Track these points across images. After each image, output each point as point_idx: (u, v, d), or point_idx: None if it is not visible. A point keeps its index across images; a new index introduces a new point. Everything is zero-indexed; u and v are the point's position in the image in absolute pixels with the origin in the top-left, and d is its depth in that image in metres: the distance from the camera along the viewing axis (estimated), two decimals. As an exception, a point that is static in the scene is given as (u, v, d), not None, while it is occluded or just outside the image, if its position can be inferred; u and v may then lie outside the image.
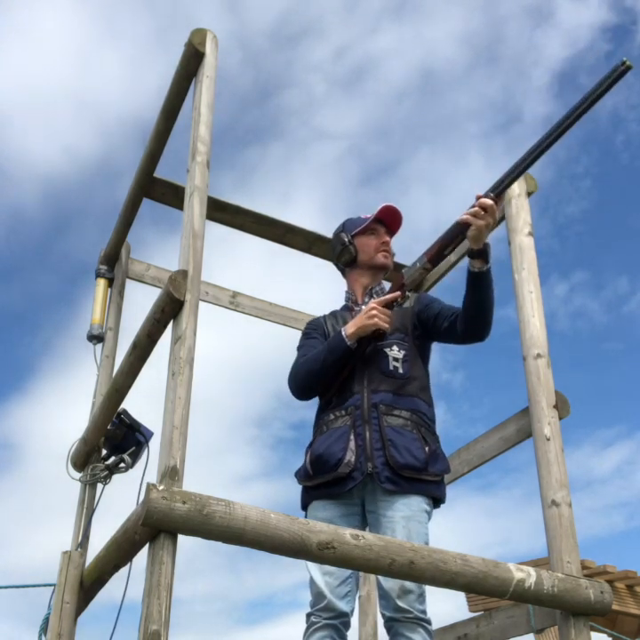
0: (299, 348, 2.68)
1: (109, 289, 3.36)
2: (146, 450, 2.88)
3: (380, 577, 2.24)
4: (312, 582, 2.33)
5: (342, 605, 2.29)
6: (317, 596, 2.31)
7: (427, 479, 2.36)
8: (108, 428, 2.84)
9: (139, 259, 3.50)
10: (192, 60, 2.64)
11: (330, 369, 2.47)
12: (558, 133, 2.18)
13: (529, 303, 2.84)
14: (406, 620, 2.22)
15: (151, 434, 2.89)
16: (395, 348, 2.50)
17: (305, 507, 2.48)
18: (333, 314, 2.73)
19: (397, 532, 2.28)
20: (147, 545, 1.91)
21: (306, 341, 2.67)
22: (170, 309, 2.22)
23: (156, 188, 3.20)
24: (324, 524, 2.04)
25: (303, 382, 2.53)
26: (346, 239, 2.69)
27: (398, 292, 2.48)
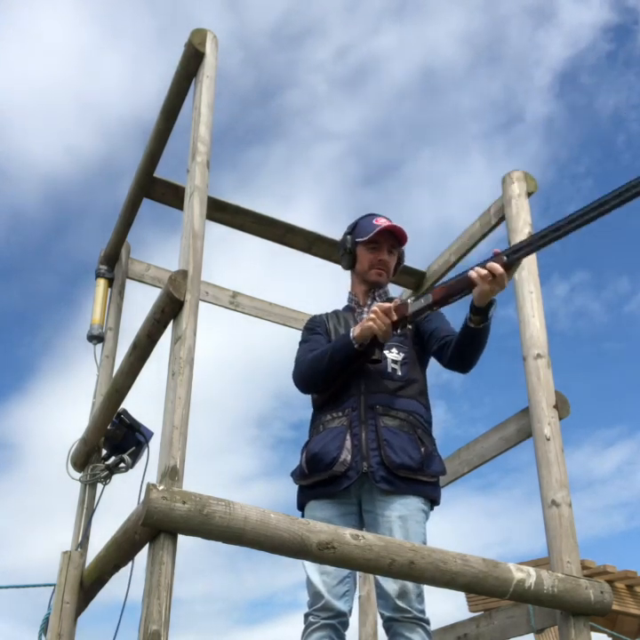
0: (302, 343, 2.68)
1: (109, 289, 3.36)
2: (146, 450, 2.88)
3: (379, 577, 2.24)
4: (309, 582, 2.33)
5: (340, 605, 2.29)
6: (315, 595, 2.31)
7: (422, 480, 2.36)
8: (108, 428, 2.84)
9: (139, 259, 3.50)
10: (192, 60, 2.64)
11: (335, 368, 2.46)
12: (590, 217, 2.06)
13: (529, 303, 2.84)
14: (405, 619, 2.22)
15: (151, 434, 2.89)
16: (394, 350, 2.51)
17: (301, 506, 2.48)
18: (336, 313, 2.73)
19: (395, 531, 2.28)
20: (147, 545, 1.91)
21: (310, 336, 2.66)
22: (170, 309, 2.22)
23: (156, 188, 3.19)
24: (324, 524, 2.04)
25: (309, 379, 2.53)
26: (348, 245, 2.70)
27: (394, 304, 2.43)
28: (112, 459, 2.88)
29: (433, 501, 2.42)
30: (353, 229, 2.73)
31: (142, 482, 2.64)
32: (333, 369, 2.46)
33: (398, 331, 2.41)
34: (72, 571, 2.53)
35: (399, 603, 2.22)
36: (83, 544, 2.74)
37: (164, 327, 2.30)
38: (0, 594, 3.19)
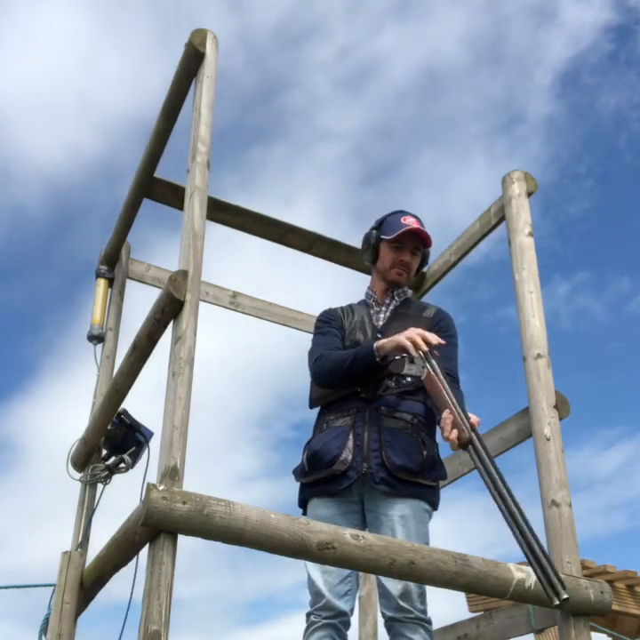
0: (318, 334, 2.63)
1: (110, 289, 3.36)
2: (146, 450, 2.88)
3: (382, 576, 2.24)
4: (310, 581, 2.32)
5: (341, 604, 2.28)
6: (316, 595, 2.30)
7: (422, 483, 2.35)
8: (109, 428, 2.84)
9: (140, 259, 3.50)
10: (192, 61, 2.64)
11: (355, 375, 2.43)
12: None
13: (529, 303, 2.84)
14: (407, 620, 2.22)
15: (151, 434, 2.89)
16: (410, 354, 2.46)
17: (302, 504, 2.47)
18: (351, 308, 2.69)
19: (397, 531, 2.27)
20: (147, 545, 1.91)
21: (328, 329, 2.62)
22: (170, 309, 2.22)
23: (156, 189, 3.20)
24: (324, 524, 2.04)
25: (328, 379, 2.48)
26: (372, 240, 2.67)
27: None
28: (112, 459, 2.89)
29: (432, 505, 2.41)
30: (380, 225, 2.69)
31: (143, 482, 2.64)
32: (354, 376, 2.43)
33: (393, 384, 2.41)
34: (72, 571, 2.53)
35: (401, 603, 2.22)
36: (83, 544, 2.74)
37: (165, 327, 2.30)
38: (0, 594, 3.19)
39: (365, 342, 2.49)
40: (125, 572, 2.33)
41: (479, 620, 2.78)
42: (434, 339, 2.30)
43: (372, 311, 2.64)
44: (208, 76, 2.57)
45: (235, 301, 3.69)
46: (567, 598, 1.82)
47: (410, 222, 2.59)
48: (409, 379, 2.40)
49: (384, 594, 2.28)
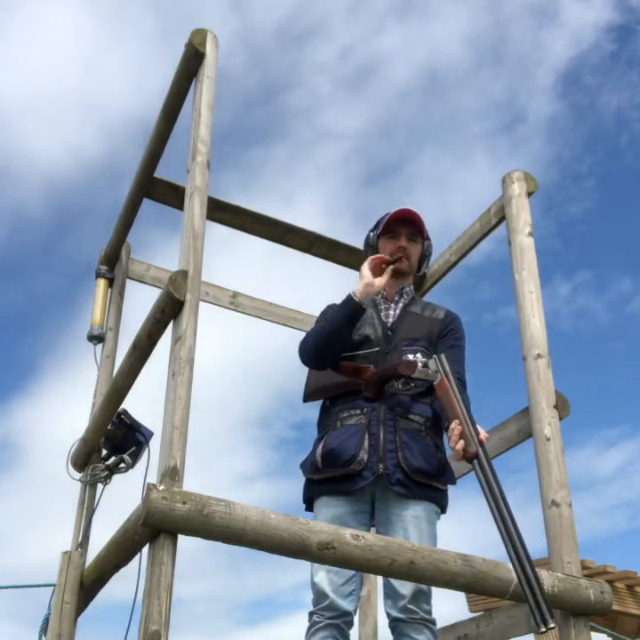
0: (315, 324, 2.65)
1: (110, 289, 3.36)
2: (146, 450, 2.88)
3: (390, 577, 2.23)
4: (314, 581, 2.30)
5: (345, 605, 2.26)
6: (319, 594, 2.28)
7: (436, 486, 2.35)
8: (109, 428, 2.84)
9: (141, 259, 3.50)
10: (192, 61, 2.64)
11: (339, 331, 2.42)
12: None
13: (529, 303, 2.84)
14: (412, 620, 2.22)
15: (151, 434, 2.89)
16: (419, 355, 2.42)
17: (308, 500, 2.45)
18: None
19: (410, 531, 2.27)
20: (147, 545, 1.91)
21: (323, 317, 2.63)
22: (170, 309, 2.22)
23: (156, 189, 3.20)
24: (324, 524, 2.04)
25: (313, 350, 2.47)
26: (371, 241, 2.69)
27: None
28: (112, 459, 2.89)
29: (442, 508, 2.41)
30: (375, 226, 2.71)
31: (144, 482, 2.64)
32: (338, 332, 2.41)
33: (399, 386, 2.39)
34: (72, 571, 2.53)
35: (409, 605, 2.22)
36: (83, 544, 2.75)
37: (165, 327, 2.30)
38: (0, 594, 3.19)
39: (333, 312, 2.49)
40: (125, 572, 2.33)
41: (479, 620, 2.78)
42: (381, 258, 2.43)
43: (381, 308, 2.62)
44: (208, 76, 2.57)
45: (235, 301, 3.69)
46: (553, 627, 1.85)
47: (397, 211, 2.61)
48: (412, 384, 2.39)
49: (391, 594, 2.26)
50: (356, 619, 2.35)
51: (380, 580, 3.31)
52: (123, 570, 2.29)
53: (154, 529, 1.85)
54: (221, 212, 3.33)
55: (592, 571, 5.76)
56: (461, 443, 2.13)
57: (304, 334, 2.60)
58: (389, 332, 2.53)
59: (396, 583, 2.24)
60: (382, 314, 2.60)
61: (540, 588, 1.89)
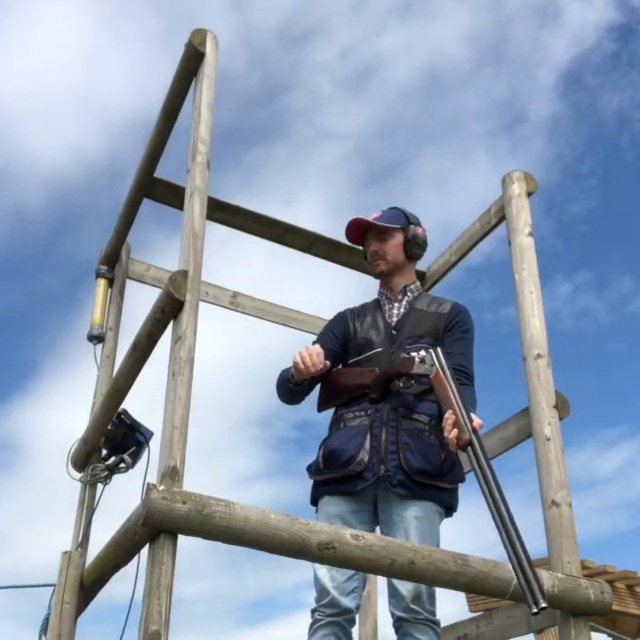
0: (319, 335, 2.70)
1: (110, 289, 3.36)
2: (146, 450, 2.88)
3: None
4: (316, 578, 2.30)
5: (347, 602, 2.26)
6: (321, 592, 2.28)
7: (441, 486, 2.34)
8: (108, 428, 2.84)
9: (140, 259, 3.50)
10: (192, 60, 2.64)
11: (282, 398, 2.54)
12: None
13: (529, 303, 2.84)
14: (416, 620, 2.22)
15: (151, 434, 2.89)
16: (422, 352, 2.39)
17: (314, 501, 2.46)
18: (363, 307, 2.68)
19: (411, 531, 2.27)
20: (147, 545, 1.91)
21: (324, 332, 2.66)
22: (170, 309, 2.22)
23: (156, 189, 3.19)
24: (324, 525, 2.04)
25: (278, 396, 2.58)
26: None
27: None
28: (112, 459, 2.88)
29: (449, 508, 2.41)
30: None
31: (144, 482, 2.64)
32: (283, 398, 2.54)
33: (401, 385, 2.39)
34: (72, 571, 2.53)
35: (412, 605, 2.22)
36: (83, 544, 2.74)
37: (164, 327, 2.30)
38: (0, 594, 3.18)
39: (284, 370, 2.52)
40: (125, 572, 2.33)
41: (479, 619, 2.78)
42: (316, 356, 2.32)
43: (385, 308, 2.62)
44: (208, 76, 2.57)
45: (235, 301, 3.69)
46: (545, 607, 1.84)
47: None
48: (413, 381, 2.38)
49: (394, 594, 2.27)
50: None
51: (379, 579, 3.32)
52: (122, 570, 2.29)
53: (154, 529, 1.85)
54: (221, 211, 3.33)
55: (592, 571, 5.76)
56: (455, 431, 2.13)
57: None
58: (393, 332, 2.53)
59: (397, 583, 2.24)
60: (386, 314, 2.60)
61: (532, 569, 1.88)
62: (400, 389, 2.40)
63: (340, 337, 2.60)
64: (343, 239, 2.86)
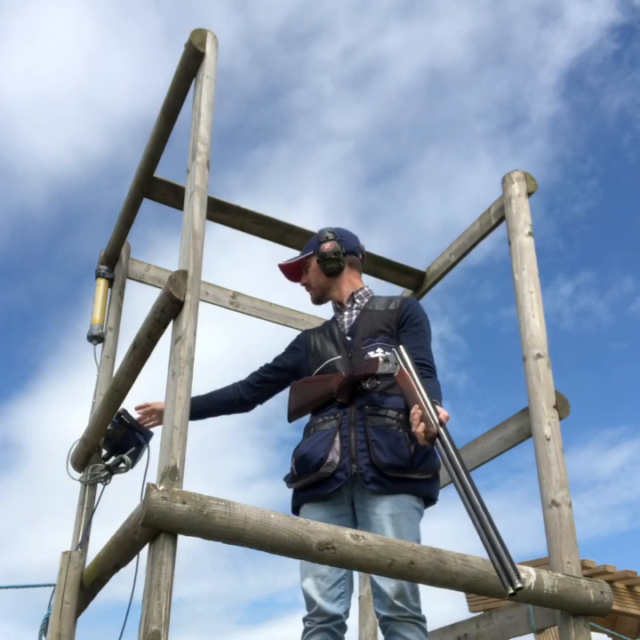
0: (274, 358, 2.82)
1: (110, 289, 3.36)
2: (146, 450, 2.88)
3: (375, 576, 2.24)
4: (302, 589, 2.34)
5: (334, 608, 2.29)
6: (308, 602, 2.33)
7: (414, 478, 2.34)
8: (108, 428, 2.84)
9: (140, 259, 3.50)
10: (192, 60, 2.64)
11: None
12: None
13: (529, 303, 2.84)
14: (402, 619, 2.22)
15: (151, 434, 2.89)
16: (379, 350, 2.45)
17: (295, 510, 2.48)
18: (324, 324, 2.76)
19: (386, 529, 2.27)
20: (147, 545, 1.91)
21: (282, 352, 2.78)
22: (170, 309, 2.22)
23: (156, 189, 3.19)
24: (324, 525, 2.04)
25: None
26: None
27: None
28: (112, 459, 2.88)
29: (428, 498, 2.41)
30: None
31: (143, 482, 2.64)
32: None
33: (367, 385, 2.40)
34: (72, 571, 2.53)
35: (396, 602, 2.22)
36: (83, 544, 2.74)
37: (164, 327, 2.30)
38: (0, 594, 3.18)
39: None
40: (126, 572, 2.33)
41: (479, 619, 2.78)
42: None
43: (338, 319, 2.69)
44: (208, 76, 2.57)
45: (235, 301, 3.69)
46: (520, 588, 1.82)
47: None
48: (379, 381, 2.41)
49: (378, 593, 2.27)
50: (355, 619, 2.37)
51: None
52: (122, 570, 2.29)
53: (154, 529, 1.85)
54: (221, 212, 3.33)
55: (592, 571, 5.77)
56: (422, 425, 2.15)
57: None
58: (348, 338, 2.59)
59: (380, 581, 2.24)
60: (339, 324, 2.66)
61: (505, 551, 1.88)
62: (367, 391, 2.43)
63: (297, 353, 2.70)
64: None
